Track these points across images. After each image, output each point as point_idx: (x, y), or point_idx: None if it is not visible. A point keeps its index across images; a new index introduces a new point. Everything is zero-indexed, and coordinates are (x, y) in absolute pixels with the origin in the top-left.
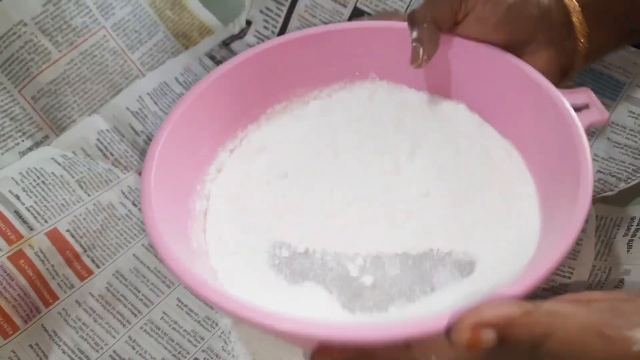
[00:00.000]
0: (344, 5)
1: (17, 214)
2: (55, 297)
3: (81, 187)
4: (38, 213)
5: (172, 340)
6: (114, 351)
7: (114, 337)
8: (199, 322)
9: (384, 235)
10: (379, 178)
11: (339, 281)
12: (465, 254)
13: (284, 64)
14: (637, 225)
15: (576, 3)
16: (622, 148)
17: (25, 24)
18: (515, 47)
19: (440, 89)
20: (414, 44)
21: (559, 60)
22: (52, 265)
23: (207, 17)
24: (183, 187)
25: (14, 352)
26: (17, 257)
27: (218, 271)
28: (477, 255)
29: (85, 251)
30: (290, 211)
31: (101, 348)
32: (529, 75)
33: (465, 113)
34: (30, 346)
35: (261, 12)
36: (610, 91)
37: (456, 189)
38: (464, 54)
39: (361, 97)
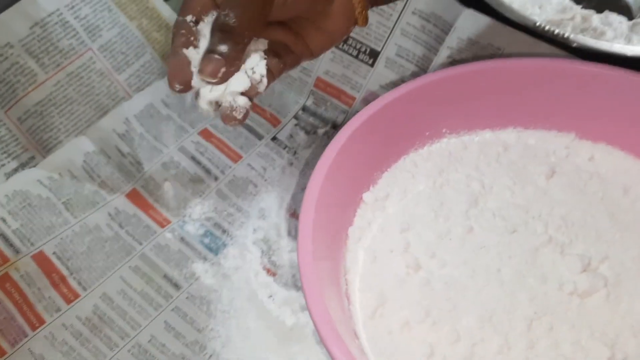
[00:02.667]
0: None
1: (3, 237)
2: (41, 321)
3: (67, 209)
4: (24, 236)
5: None
6: None
7: None
8: (187, 345)
9: None
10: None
11: None
12: None
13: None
14: None
15: None
16: None
17: (12, 46)
18: None
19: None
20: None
21: None
22: (39, 289)
23: None
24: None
25: None
26: (3, 281)
27: None
28: None
29: (71, 274)
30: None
31: None
32: None
33: None
34: None
35: None
36: None
37: None
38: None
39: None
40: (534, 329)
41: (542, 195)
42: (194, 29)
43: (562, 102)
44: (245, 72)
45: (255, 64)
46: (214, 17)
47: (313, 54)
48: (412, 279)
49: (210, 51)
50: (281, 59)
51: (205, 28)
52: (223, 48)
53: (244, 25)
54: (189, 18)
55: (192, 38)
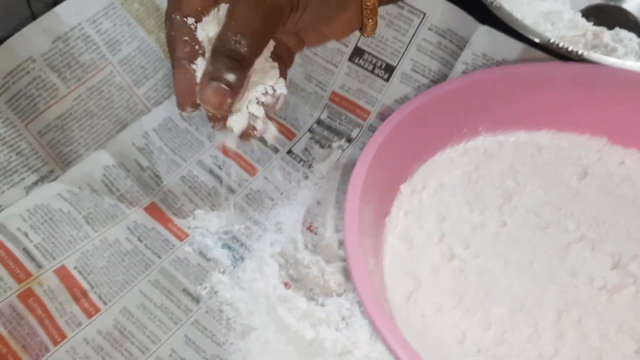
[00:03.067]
0: (346, 45)
1: (26, 251)
2: (63, 336)
3: (88, 223)
4: (46, 250)
5: None
6: None
7: None
8: (207, 359)
9: None
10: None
11: None
12: None
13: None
14: None
15: None
16: None
17: (34, 60)
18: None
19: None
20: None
21: None
22: (61, 303)
23: None
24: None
25: None
26: (26, 296)
27: None
28: None
29: (92, 288)
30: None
31: None
32: None
33: None
34: None
35: None
36: None
37: None
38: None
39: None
40: (564, 321)
41: (574, 195)
42: (195, 33)
43: (595, 107)
44: (265, 89)
45: (274, 82)
46: (215, 13)
47: (305, 47)
48: (446, 268)
49: (214, 78)
50: (282, 61)
51: (201, 29)
52: (231, 77)
53: (255, 54)
54: (189, 21)
55: (197, 47)
